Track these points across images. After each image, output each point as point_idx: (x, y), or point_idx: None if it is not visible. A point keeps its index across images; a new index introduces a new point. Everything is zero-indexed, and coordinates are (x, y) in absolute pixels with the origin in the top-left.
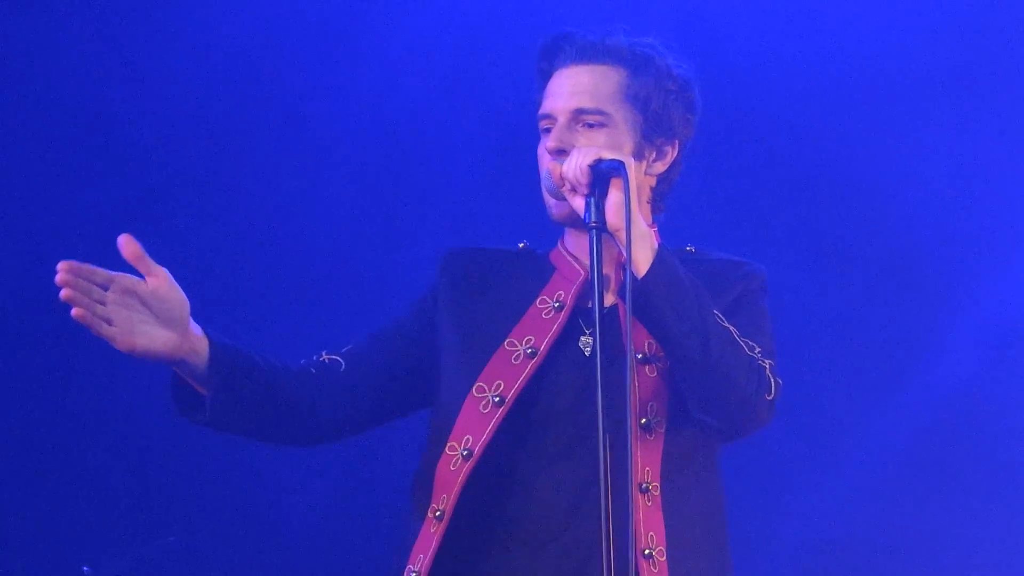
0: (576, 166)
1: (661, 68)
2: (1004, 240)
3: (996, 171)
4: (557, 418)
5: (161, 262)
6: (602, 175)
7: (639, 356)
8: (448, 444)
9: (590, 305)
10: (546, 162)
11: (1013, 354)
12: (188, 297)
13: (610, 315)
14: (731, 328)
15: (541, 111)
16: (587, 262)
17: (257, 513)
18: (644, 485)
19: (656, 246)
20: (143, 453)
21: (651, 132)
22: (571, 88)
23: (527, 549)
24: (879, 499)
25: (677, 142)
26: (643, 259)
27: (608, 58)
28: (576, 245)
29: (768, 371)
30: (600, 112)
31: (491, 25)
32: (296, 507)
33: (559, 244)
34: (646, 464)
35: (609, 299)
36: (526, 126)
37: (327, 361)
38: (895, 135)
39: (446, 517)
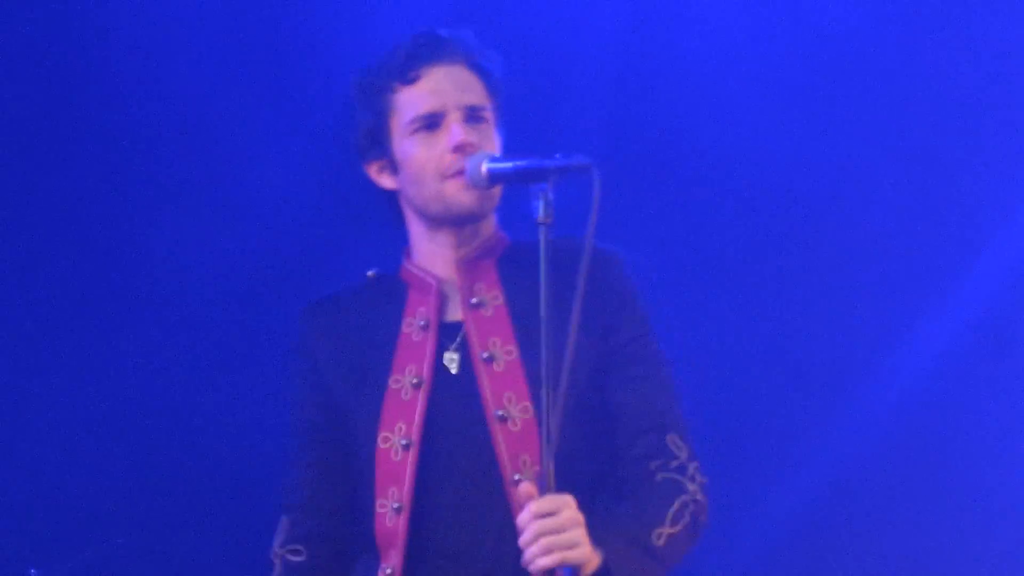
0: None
1: (496, 62)
2: (969, 239)
3: (959, 170)
4: (454, 444)
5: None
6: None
7: (484, 356)
8: (377, 502)
9: (448, 319)
10: (449, 157)
11: (976, 351)
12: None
13: (456, 331)
14: (661, 540)
15: (422, 110)
16: (435, 271)
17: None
18: (515, 477)
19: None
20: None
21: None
22: (455, 84)
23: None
24: (843, 496)
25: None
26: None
27: (471, 58)
28: (424, 255)
29: (696, 507)
30: (486, 108)
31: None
32: None
33: (404, 260)
34: (516, 453)
35: (457, 314)
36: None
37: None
38: (853, 133)
39: (398, 573)
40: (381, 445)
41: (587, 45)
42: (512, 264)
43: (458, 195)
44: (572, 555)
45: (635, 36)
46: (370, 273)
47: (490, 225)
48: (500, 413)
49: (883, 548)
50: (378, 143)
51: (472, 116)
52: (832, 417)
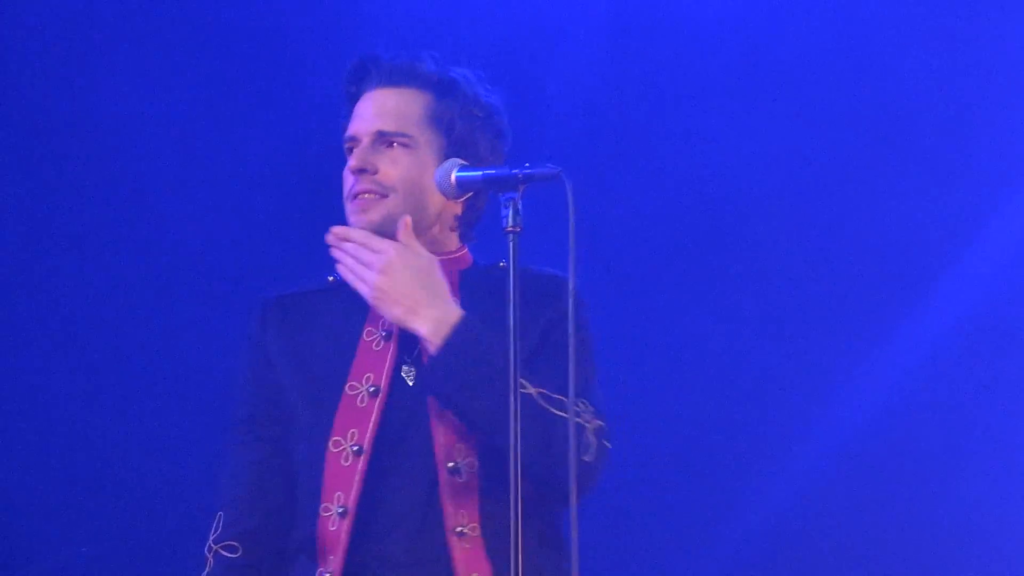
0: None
1: (468, 94)
2: (956, 236)
3: (945, 168)
4: (404, 454)
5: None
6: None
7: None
8: (322, 505)
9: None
10: (350, 179)
11: (963, 350)
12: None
13: (416, 343)
14: (536, 393)
15: (347, 133)
16: None
17: None
18: (459, 529)
19: (454, 320)
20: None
21: (456, 155)
22: (375, 110)
23: None
24: (827, 495)
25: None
26: (433, 333)
27: (414, 82)
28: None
29: (589, 432)
30: (403, 135)
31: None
32: None
33: None
34: (460, 508)
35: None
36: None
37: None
38: (835, 131)
39: None
40: (332, 449)
41: (568, 48)
42: (473, 283)
43: (351, 216)
44: (361, 285)
45: (617, 39)
46: (331, 278)
47: (449, 242)
48: (451, 466)
49: (868, 549)
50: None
51: (383, 141)
52: (819, 417)
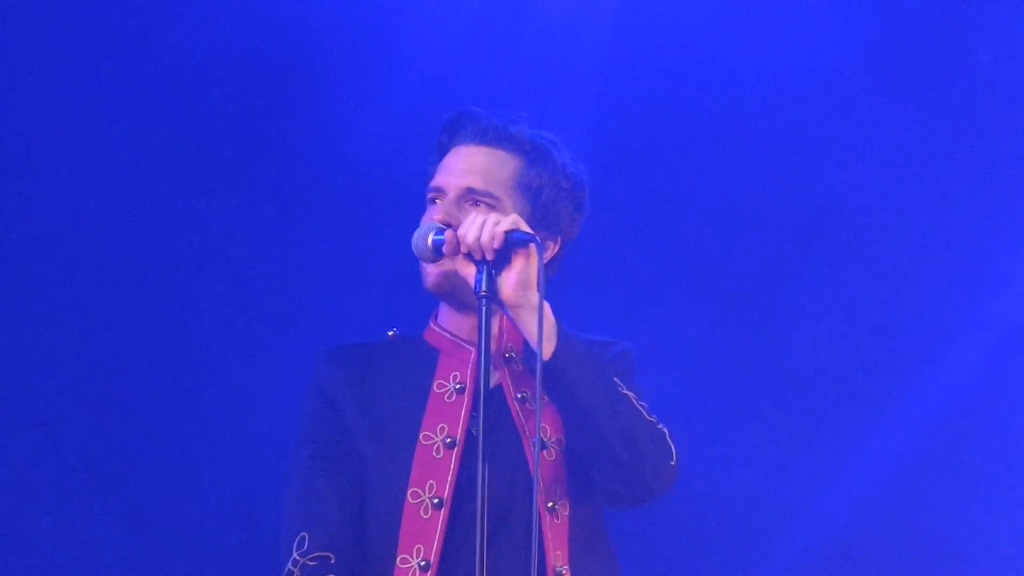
0: (490, 229)
1: (557, 164)
2: (1011, 239)
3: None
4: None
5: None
6: (510, 245)
7: (535, 439)
8: (399, 557)
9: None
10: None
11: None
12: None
13: (498, 394)
14: (630, 395)
15: (433, 183)
16: (464, 336)
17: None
18: (558, 569)
19: (554, 320)
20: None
21: (537, 224)
22: (465, 166)
23: None
24: (885, 500)
25: (560, 239)
26: (548, 334)
27: (507, 144)
28: (453, 321)
29: (667, 437)
30: (491, 195)
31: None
32: None
33: (432, 323)
34: (556, 547)
35: (495, 376)
36: None
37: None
38: (860, 134)
39: None
40: (410, 500)
41: (579, 49)
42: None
43: (424, 270)
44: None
45: (629, 41)
46: (391, 332)
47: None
48: (551, 505)
49: (926, 551)
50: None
51: (469, 199)
52: (878, 419)
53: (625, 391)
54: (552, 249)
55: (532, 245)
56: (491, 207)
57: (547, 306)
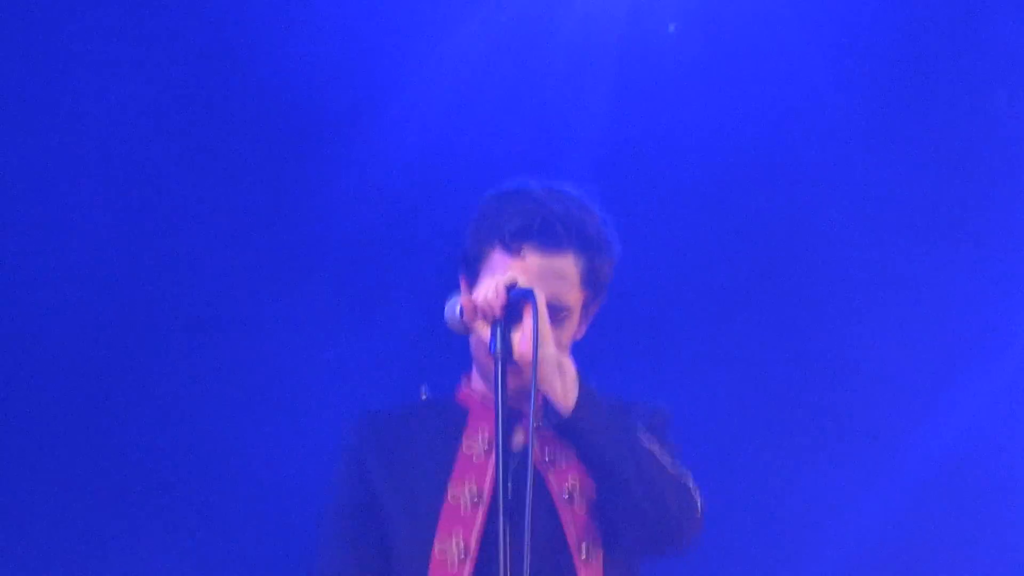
0: (491, 288)
1: (612, 247)
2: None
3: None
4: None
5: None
6: (514, 303)
7: (565, 496)
8: None
9: (513, 448)
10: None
11: None
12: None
13: (526, 454)
14: (654, 448)
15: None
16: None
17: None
18: None
19: (576, 374)
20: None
21: (593, 304)
22: (544, 279)
23: None
24: (923, 507)
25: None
26: (568, 390)
27: (577, 245)
28: (483, 383)
29: (691, 490)
30: (564, 308)
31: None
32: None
33: (464, 383)
34: None
35: (520, 438)
36: None
37: None
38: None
39: None
40: (437, 556)
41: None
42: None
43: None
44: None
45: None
46: (424, 395)
47: None
48: (584, 556)
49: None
50: (469, 271)
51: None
52: (916, 426)
53: (649, 446)
54: (595, 310)
55: (528, 303)
56: (563, 319)
57: (569, 360)
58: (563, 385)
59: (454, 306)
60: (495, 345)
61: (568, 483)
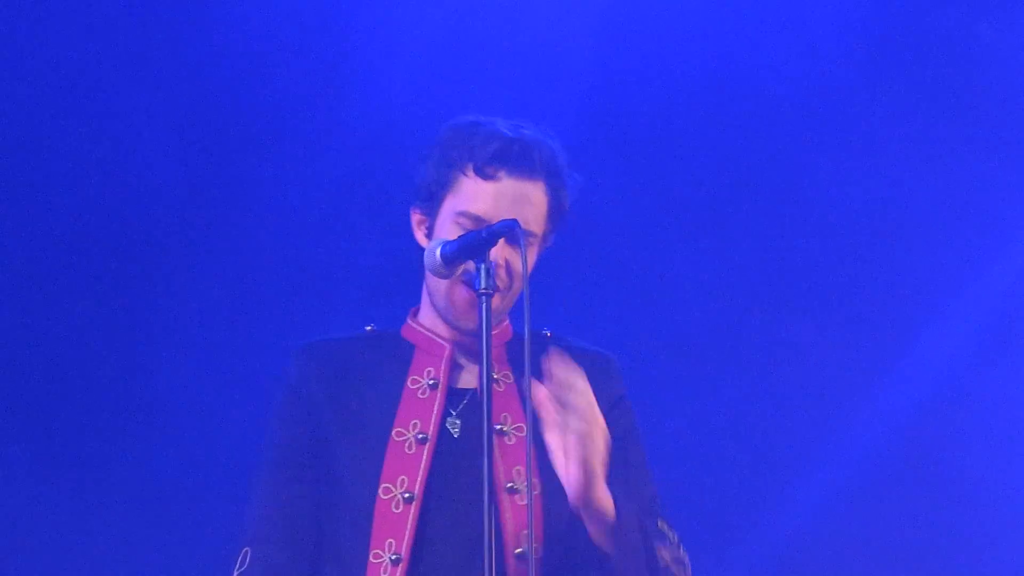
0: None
1: (575, 181)
2: (986, 240)
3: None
4: (457, 504)
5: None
6: (497, 234)
7: (497, 427)
8: (372, 552)
9: (457, 385)
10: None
11: (992, 352)
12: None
13: (472, 399)
14: (668, 561)
15: (473, 209)
16: (446, 335)
17: None
18: (519, 551)
19: (613, 516)
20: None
21: (550, 236)
22: (516, 203)
23: None
24: (862, 495)
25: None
26: (603, 534)
27: (543, 174)
28: (430, 319)
29: (681, 551)
30: (533, 235)
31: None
32: None
33: (409, 319)
34: (518, 528)
35: (472, 381)
36: None
37: None
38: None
39: None
40: (382, 496)
41: (569, 40)
42: (519, 355)
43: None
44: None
45: (619, 33)
46: (369, 327)
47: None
48: (510, 485)
49: (901, 547)
50: (428, 202)
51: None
52: (853, 415)
53: (666, 559)
54: (548, 243)
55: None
56: (531, 245)
57: (609, 498)
58: (594, 522)
59: (434, 250)
60: (479, 282)
61: (502, 417)
